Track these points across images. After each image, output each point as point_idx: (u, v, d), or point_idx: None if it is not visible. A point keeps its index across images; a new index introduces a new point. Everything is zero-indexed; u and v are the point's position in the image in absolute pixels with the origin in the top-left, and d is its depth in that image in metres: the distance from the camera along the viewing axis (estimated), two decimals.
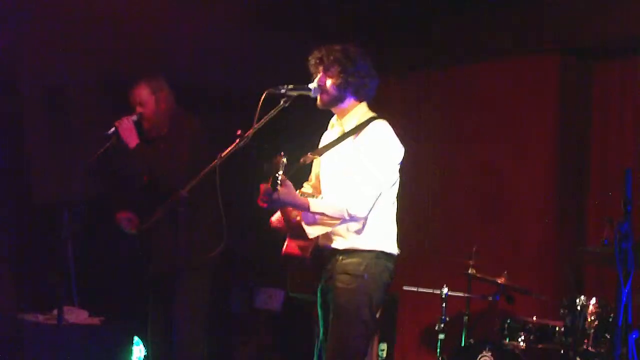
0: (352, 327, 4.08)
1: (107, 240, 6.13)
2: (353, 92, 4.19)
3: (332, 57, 4.16)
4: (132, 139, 5.02)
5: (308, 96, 4.18)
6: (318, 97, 4.19)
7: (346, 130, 4.19)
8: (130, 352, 5.76)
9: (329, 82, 4.16)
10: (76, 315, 5.71)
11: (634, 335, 3.55)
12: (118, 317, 5.84)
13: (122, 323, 5.82)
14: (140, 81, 5.12)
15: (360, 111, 4.24)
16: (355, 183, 4.06)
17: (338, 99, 4.19)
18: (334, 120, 4.32)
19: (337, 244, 4.15)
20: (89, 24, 6.01)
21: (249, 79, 6.00)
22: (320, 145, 4.36)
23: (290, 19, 6.48)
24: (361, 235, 4.16)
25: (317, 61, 4.20)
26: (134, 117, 5.05)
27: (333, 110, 4.26)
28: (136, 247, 5.15)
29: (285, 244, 4.15)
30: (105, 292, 6.20)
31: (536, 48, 6.40)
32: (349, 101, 4.23)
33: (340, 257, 4.15)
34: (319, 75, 4.18)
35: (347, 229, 4.16)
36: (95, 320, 5.78)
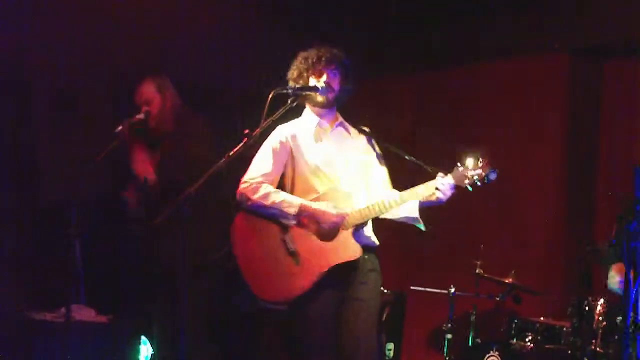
0: (378, 322, 4.27)
1: (115, 238, 6.14)
2: (343, 97, 4.37)
3: (339, 59, 4.31)
4: (149, 173, 5.03)
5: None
6: (324, 96, 4.28)
7: (352, 134, 4.43)
8: (137, 351, 5.76)
9: (335, 82, 4.30)
10: (84, 314, 5.71)
11: None
12: (126, 316, 5.84)
13: (129, 321, 5.81)
14: (146, 79, 5.12)
15: (340, 115, 4.48)
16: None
17: (339, 100, 4.35)
18: (317, 121, 4.39)
19: (368, 240, 4.26)
20: (95, 23, 6.01)
21: (250, 78, 6.03)
22: (304, 140, 4.38)
23: (290, 19, 6.47)
24: (372, 231, 4.33)
25: (325, 59, 4.30)
26: (141, 116, 5.05)
27: (326, 111, 4.37)
28: (143, 245, 5.16)
29: (330, 254, 4.13)
30: (113, 291, 6.20)
31: (545, 48, 6.38)
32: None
33: (366, 256, 4.23)
34: (325, 74, 4.28)
35: (369, 225, 4.29)
36: (103, 319, 5.77)
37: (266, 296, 4.23)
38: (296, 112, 4.42)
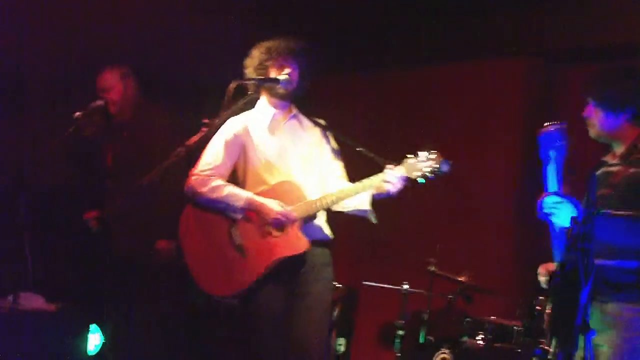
0: (328, 318, 4.36)
1: (67, 225, 6.07)
2: (300, 90, 4.36)
3: (301, 52, 4.32)
4: None
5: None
6: (285, 89, 4.25)
7: (307, 127, 4.42)
8: (86, 339, 5.69)
9: (295, 75, 4.30)
10: (32, 301, 5.63)
11: (591, 335, 3.57)
12: (76, 304, 5.77)
13: (79, 310, 5.74)
14: (109, 66, 5.13)
15: (295, 108, 4.46)
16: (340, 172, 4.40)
17: (297, 93, 4.35)
18: (272, 112, 4.37)
19: (319, 234, 4.27)
20: (53, 13, 5.94)
21: (213, 69, 5.98)
22: (257, 133, 4.35)
23: (252, 14, 6.44)
24: (326, 224, 4.35)
25: (288, 52, 4.30)
26: (101, 102, 5.05)
27: (282, 103, 4.36)
28: (97, 233, 5.14)
29: (275, 248, 4.13)
30: (64, 279, 6.13)
31: (503, 51, 6.41)
32: None
33: (318, 248, 4.24)
34: (287, 67, 4.28)
35: (321, 218, 4.31)
36: (52, 307, 5.70)
37: (211, 290, 4.21)
38: (249, 103, 4.42)
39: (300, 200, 4.17)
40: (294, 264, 4.15)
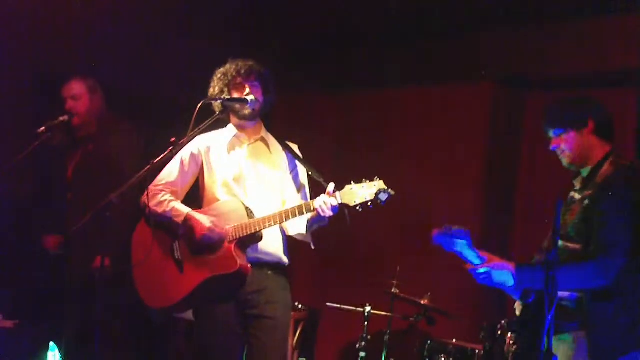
0: (287, 341, 4.31)
1: (26, 241, 5.99)
2: (267, 107, 4.39)
3: (257, 70, 4.33)
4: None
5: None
6: (251, 108, 4.29)
7: (274, 150, 4.40)
8: (44, 357, 5.61)
9: (258, 93, 4.31)
10: None
11: None
12: (34, 321, 5.69)
13: (37, 327, 5.67)
14: (77, 76, 5.11)
15: (264, 129, 4.47)
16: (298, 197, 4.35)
17: (263, 111, 4.37)
18: (234, 133, 4.38)
19: (270, 257, 4.25)
20: (20, 24, 5.89)
21: (182, 87, 5.98)
22: (218, 152, 4.35)
23: (218, 33, 6.43)
24: (284, 248, 4.33)
25: (243, 72, 4.31)
26: (65, 118, 5.00)
27: (249, 124, 4.37)
28: (58, 250, 5.08)
29: (242, 261, 4.11)
30: (23, 296, 6.04)
31: (471, 76, 6.47)
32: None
33: (270, 272, 4.24)
34: (247, 87, 4.29)
35: (277, 242, 4.28)
36: (9, 324, 5.62)
37: (148, 301, 4.28)
38: (223, 123, 4.43)
39: (242, 220, 4.14)
40: (235, 284, 4.15)
